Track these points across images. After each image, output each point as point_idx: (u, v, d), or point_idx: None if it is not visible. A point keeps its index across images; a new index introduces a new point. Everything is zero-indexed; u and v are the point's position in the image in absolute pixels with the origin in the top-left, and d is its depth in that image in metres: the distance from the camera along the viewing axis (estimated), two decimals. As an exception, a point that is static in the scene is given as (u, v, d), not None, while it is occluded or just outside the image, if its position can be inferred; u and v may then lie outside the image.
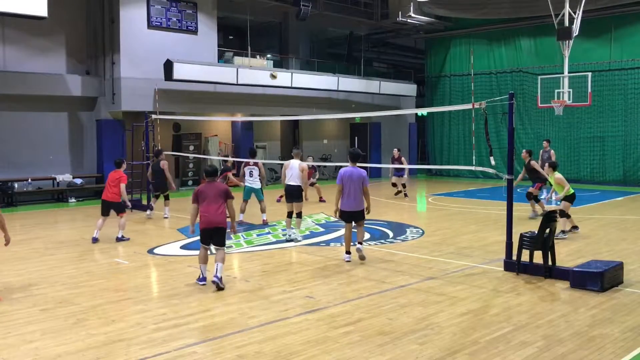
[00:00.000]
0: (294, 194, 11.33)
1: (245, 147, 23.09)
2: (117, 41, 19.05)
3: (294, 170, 11.42)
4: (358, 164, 9.63)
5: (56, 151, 19.10)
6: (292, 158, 11.80)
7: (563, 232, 11.46)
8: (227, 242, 11.39)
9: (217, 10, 21.46)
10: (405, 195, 18.51)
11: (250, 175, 13.46)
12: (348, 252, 9.76)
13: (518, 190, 15.47)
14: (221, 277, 8.07)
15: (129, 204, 12.32)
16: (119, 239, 11.74)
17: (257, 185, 13.44)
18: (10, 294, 7.89)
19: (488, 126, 9.62)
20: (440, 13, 25.36)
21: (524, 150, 14.95)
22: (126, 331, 6.36)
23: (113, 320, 6.73)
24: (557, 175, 11.62)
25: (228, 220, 8.46)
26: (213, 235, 8.30)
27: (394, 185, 18.92)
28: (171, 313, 7.00)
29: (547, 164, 11.97)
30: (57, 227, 14.11)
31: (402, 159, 18.72)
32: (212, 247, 8.39)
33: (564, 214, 11.41)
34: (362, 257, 9.66)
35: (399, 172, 18.49)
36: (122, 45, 18.98)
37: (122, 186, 11.87)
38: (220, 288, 7.98)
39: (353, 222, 9.64)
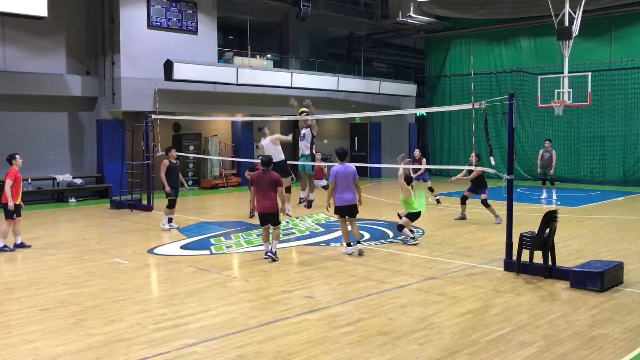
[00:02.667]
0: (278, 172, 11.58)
1: (245, 147, 23.14)
2: (117, 41, 19.05)
3: (269, 148, 11.96)
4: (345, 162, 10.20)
5: (56, 151, 19.10)
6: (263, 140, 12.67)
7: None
8: (228, 242, 11.47)
9: (217, 10, 21.46)
10: (438, 201, 16.99)
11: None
12: (349, 245, 10.24)
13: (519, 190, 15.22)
14: (275, 252, 9.70)
15: (11, 204, 10.49)
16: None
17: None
18: (10, 294, 7.89)
19: (488, 126, 9.63)
20: (440, 13, 25.36)
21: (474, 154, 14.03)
22: (126, 331, 6.36)
23: (113, 320, 6.73)
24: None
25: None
26: (267, 218, 9.74)
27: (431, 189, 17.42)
28: (171, 313, 7.00)
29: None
30: (57, 227, 14.11)
31: (423, 160, 17.37)
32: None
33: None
34: (360, 252, 10.14)
35: (422, 176, 17.15)
36: (122, 45, 18.98)
37: (7, 185, 10.47)
38: (273, 260, 9.61)
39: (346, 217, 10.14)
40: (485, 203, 13.64)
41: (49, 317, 6.89)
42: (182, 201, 18.78)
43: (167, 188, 12.85)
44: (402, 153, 12.46)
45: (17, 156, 10.81)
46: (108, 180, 19.49)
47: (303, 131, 14.20)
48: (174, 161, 13.18)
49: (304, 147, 13.94)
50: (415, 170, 16.43)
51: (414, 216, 11.19)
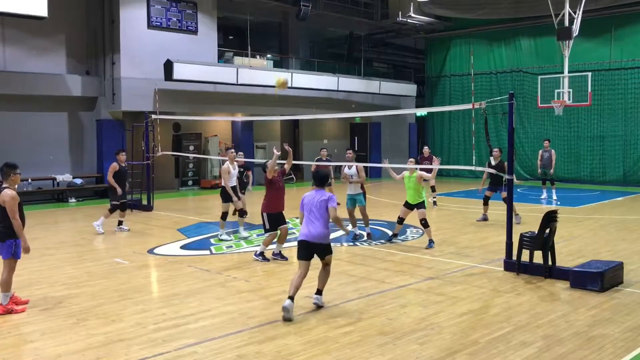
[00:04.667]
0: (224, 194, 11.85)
1: (245, 147, 23.13)
2: (117, 41, 19.04)
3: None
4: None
5: (56, 151, 19.09)
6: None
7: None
8: (227, 242, 11.48)
9: (217, 10, 21.46)
10: (435, 203, 16.43)
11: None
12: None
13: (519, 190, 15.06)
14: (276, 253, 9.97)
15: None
16: None
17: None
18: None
19: (488, 126, 9.63)
20: (440, 13, 25.36)
21: (497, 149, 14.05)
22: (126, 331, 6.36)
23: (113, 320, 6.73)
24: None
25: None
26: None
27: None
28: (171, 313, 7.00)
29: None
30: (57, 227, 14.11)
31: (434, 158, 16.31)
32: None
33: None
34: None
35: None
36: (122, 45, 18.98)
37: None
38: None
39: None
40: (506, 201, 13.38)
41: (49, 317, 6.89)
42: (182, 201, 18.80)
43: (119, 190, 12.55)
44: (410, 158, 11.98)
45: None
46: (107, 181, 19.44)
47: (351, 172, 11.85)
48: (124, 165, 12.95)
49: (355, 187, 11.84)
50: (429, 171, 16.07)
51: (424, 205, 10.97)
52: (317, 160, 15.95)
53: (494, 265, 9.35)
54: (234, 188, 11.81)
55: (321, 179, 7.38)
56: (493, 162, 13.76)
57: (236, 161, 12.42)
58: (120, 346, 5.92)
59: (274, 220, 9.75)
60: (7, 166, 7.16)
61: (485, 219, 13.82)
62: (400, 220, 11.23)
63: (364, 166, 12.51)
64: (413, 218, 14.86)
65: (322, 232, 7.08)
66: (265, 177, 9.79)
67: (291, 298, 6.77)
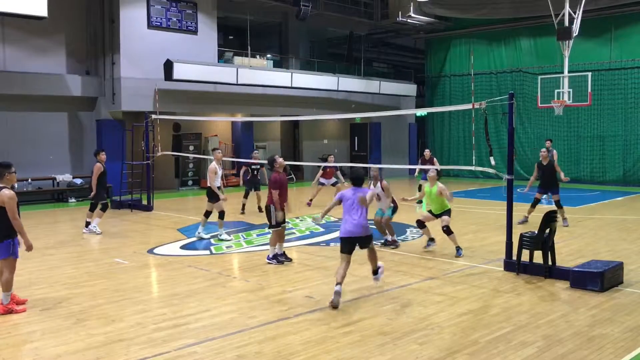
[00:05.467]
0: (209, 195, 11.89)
1: (245, 147, 23.14)
2: (117, 41, 19.05)
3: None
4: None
5: (56, 151, 19.10)
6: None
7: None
8: (227, 242, 11.47)
9: (217, 10, 21.47)
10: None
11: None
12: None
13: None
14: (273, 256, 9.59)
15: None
16: None
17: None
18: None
19: (488, 126, 9.62)
20: (440, 13, 25.35)
21: (544, 149, 13.76)
22: (126, 331, 6.36)
23: (113, 320, 6.73)
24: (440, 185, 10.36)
25: None
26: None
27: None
28: (171, 313, 7.00)
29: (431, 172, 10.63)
30: (57, 227, 14.11)
31: (435, 160, 16.94)
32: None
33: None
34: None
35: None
36: (122, 45, 18.98)
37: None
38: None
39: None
40: (557, 204, 13.00)
41: (49, 317, 6.89)
42: (182, 201, 18.81)
43: (93, 193, 12.55)
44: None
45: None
46: (108, 180, 19.33)
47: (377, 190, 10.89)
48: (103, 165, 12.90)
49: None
50: (426, 172, 16.12)
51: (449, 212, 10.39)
52: (324, 168, 16.60)
53: (494, 265, 9.35)
54: (218, 188, 11.88)
55: (358, 178, 7.89)
56: (544, 163, 13.52)
57: (253, 158, 12.62)
58: (120, 346, 5.92)
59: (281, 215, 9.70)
60: (2, 166, 7.10)
61: (525, 220, 13.25)
62: (421, 224, 10.58)
63: (363, 166, 12.39)
64: (413, 218, 14.86)
65: (364, 224, 7.59)
66: (275, 173, 9.66)
67: (339, 284, 7.30)
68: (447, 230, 10.19)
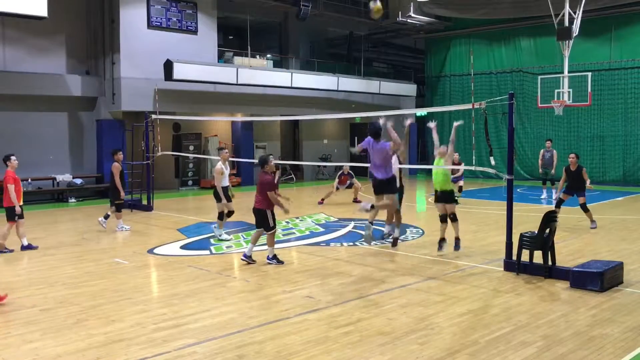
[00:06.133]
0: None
1: (245, 147, 23.15)
2: (117, 41, 19.05)
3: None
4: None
5: (56, 151, 19.10)
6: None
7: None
8: (227, 242, 11.47)
9: (217, 10, 21.47)
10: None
11: None
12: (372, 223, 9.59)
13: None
14: (272, 256, 9.56)
15: (18, 209, 10.47)
16: None
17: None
18: (10, 294, 7.88)
19: (488, 126, 9.62)
20: (440, 13, 25.36)
21: (573, 155, 13.54)
22: (126, 331, 6.36)
23: (113, 320, 6.73)
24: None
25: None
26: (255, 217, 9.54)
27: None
28: (171, 313, 7.00)
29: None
30: (57, 227, 14.11)
31: (459, 160, 16.76)
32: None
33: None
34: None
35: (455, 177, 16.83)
36: (122, 45, 18.99)
37: (11, 190, 10.34)
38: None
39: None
40: (583, 207, 12.81)
41: (49, 317, 6.89)
42: (182, 201, 18.82)
43: (122, 194, 12.66)
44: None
45: (12, 157, 10.67)
46: (108, 180, 19.39)
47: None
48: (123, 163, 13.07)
49: None
50: (454, 172, 16.22)
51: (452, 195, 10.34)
52: (340, 175, 17.39)
53: (494, 265, 9.35)
54: (225, 189, 11.75)
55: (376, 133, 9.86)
56: (572, 168, 13.29)
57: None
58: (120, 346, 5.91)
59: (274, 217, 9.57)
60: None
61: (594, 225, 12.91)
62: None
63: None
64: (413, 218, 14.90)
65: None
66: (269, 175, 9.55)
67: (371, 222, 9.14)
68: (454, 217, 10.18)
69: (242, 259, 9.59)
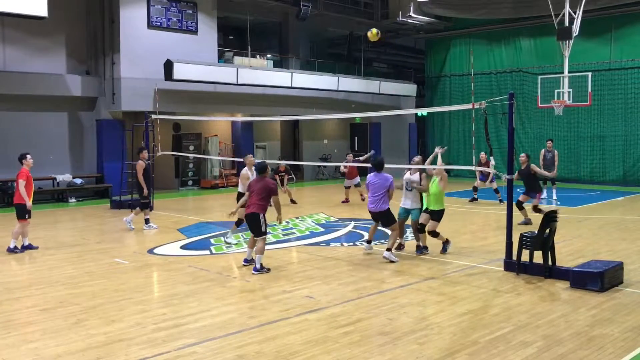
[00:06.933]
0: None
1: (245, 147, 23.15)
2: (117, 41, 19.05)
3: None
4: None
5: (56, 151, 19.09)
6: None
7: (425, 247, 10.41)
8: (227, 242, 11.46)
9: (217, 10, 21.46)
10: (501, 200, 16.23)
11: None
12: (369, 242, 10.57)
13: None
14: (259, 266, 9.14)
15: (29, 204, 10.56)
16: (10, 250, 10.47)
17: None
18: (10, 294, 7.89)
19: (488, 126, 9.62)
20: (440, 13, 25.35)
21: (523, 154, 13.72)
22: (126, 331, 6.36)
23: (113, 320, 6.73)
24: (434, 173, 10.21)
25: None
26: (249, 223, 9.18)
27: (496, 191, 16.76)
28: (171, 313, 7.00)
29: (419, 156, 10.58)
30: (57, 227, 14.11)
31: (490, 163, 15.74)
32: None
33: (435, 234, 10.21)
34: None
35: (483, 176, 16.81)
36: (122, 45, 18.98)
37: (21, 185, 10.40)
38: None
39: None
40: (536, 209, 12.89)
41: (49, 317, 6.89)
42: (182, 201, 18.82)
43: (146, 191, 12.80)
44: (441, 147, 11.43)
45: (28, 156, 10.74)
46: (108, 180, 19.49)
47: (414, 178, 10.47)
48: (147, 162, 13.21)
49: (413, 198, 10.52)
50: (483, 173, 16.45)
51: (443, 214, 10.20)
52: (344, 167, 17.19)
53: (494, 265, 9.35)
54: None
55: (379, 164, 9.96)
56: (522, 167, 13.35)
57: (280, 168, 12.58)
58: (120, 346, 5.92)
59: (266, 222, 9.18)
60: None
61: (528, 222, 12.96)
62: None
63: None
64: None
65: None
66: (270, 179, 9.44)
67: (369, 242, 10.43)
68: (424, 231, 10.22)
69: (243, 264, 9.42)
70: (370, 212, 10.02)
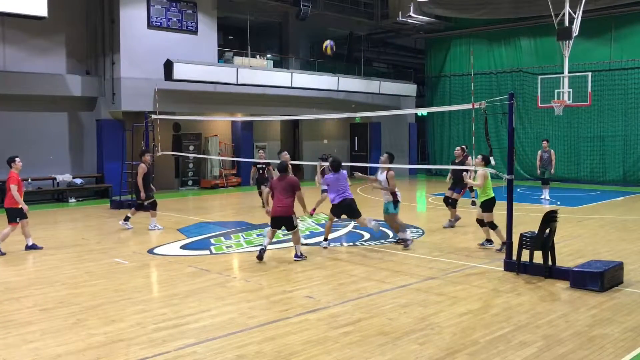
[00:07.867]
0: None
1: (245, 147, 23.15)
2: (117, 41, 19.05)
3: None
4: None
5: (56, 151, 19.10)
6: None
7: (489, 241, 10.73)
8: (228, 242, 11.47)
9: (217, 10, 21.47)
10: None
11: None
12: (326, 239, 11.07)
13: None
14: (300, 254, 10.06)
15: (25, 207, 10.54)
16: None
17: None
18: (10, 294, 7.89)
19: (488, 126, 9.62)
20: (440, 13, 25.37)
21: (458, 147, 13.86)
22: (126, 331, 6.36)
23: (113, 320, 6.73)
24: (481, 171, 10.31)
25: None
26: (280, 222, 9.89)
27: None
28: (171, 313, 7.00)
29: (479, 156, 10.62)
30: (57, 227, 14.11)
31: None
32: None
33: (493, 225, 10.40)
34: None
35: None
36: (122, 45, 18.99)
37: (14, 190, 10.35)
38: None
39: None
40: (454, 203, 13.17)
41: (49, 317, 6.89)
42: (182, 201, 18.81)
43: (143, 195, 12.78)
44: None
45: (17, 159, 10.68)
46: (108, 180, 19.50)
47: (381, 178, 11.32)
48: (149, 165, 13.26)
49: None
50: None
51: (492, 203, 10.44)
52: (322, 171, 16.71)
53: (494, 265, 9.35)
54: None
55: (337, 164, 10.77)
56: (457, 161, 13.53)
57: (259, 157, 12.69)
58: (120, 346, 5.91)
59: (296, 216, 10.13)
60: None
61: (458, 218, 13.25)
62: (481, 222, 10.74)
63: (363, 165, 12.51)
64: (413, 218, 14.89)
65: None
66: (292, 176, 10.26)
67: (326, 239, 10.91)
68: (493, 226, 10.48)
69: (259, 253, 9.73)
70: (335, 205, 10.62)
